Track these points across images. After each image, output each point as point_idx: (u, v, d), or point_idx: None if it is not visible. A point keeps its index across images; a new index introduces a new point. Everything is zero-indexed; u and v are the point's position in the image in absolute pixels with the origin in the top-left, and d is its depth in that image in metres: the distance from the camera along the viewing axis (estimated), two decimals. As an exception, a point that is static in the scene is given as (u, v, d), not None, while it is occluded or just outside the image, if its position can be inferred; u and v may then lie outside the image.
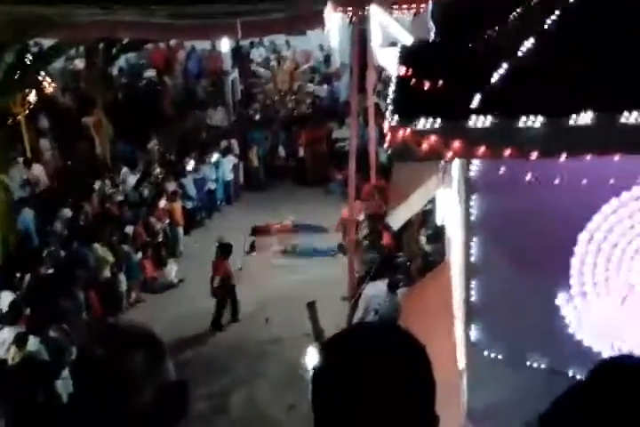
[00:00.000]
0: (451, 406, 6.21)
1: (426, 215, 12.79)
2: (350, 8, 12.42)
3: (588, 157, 5.50)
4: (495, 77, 5.63)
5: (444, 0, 11.33)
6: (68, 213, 15.10)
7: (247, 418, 11.15)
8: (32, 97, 17.53)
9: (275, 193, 18.72)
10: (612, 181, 5.82)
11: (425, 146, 5.47)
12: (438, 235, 11.59)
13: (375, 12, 12.04)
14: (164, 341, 2.08)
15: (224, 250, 13.64)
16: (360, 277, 13.06)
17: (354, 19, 12.80)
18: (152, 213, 15.62)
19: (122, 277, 13.93)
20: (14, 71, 16.34)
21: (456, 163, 6.94)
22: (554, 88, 5.52)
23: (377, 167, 14.85)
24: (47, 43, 18.06)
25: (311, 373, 1.71)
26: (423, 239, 13.00)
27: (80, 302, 12.76)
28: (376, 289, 11.42)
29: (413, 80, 6.27)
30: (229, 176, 18.45)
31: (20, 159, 17.11)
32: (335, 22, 13.07)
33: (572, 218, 5.97)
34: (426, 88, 6.06)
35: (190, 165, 17.65)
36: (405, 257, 13.16)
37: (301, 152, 19.77)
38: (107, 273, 13.70)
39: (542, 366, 6.24)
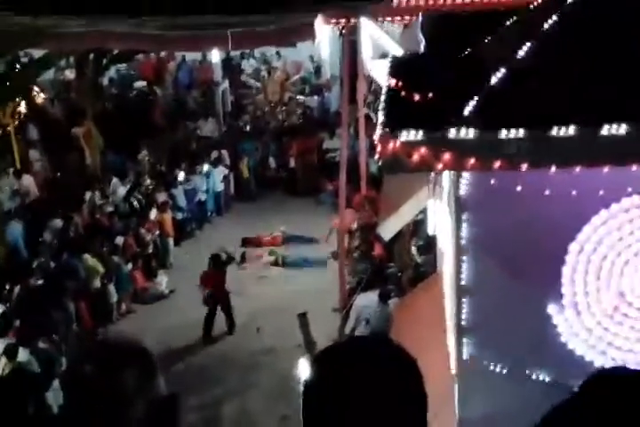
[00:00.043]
0: (442, 417, 6.21)
1: (417, 226, 12.82)
2: (341, 20, 12.49)
3: (577, 169, 5.55)
4: (484, 90, 5.68)
5: (433, 13, 11.42)
6: (57, 223, 15.05)
7: (239, 429, 11.13)
8: (22, 108, 17.53)
9: (265, 204, 18.73)
10: (601, 193, 5.86)
11: (415, 157, 5.51)
12: (429, 245, 11.62)
13: (365, 24, 12.10)
14: (155, 351, 2.09)
15: (216, 261, 13.62)
16: (351, 288, 13.07)
17: (344, 30, 12.89)
18: (142, 224, 15.59)
19: (112, 288, 13.89)
20: (4, 81, 16.35)
21: (446, 174, 6.97)
22: (541, 101, 5.57)
23: (367, 178, 14.89)
24: (37, 53, 18.08)
25: (302, 386, 1.71)
26: (414, 250, 13.02)
27: (70, 313, 12.71)
28: (367, 300, 11.43)
29: (403, 92, 6.31)
30: (220, 187, 18.44)
31: (10, 170, 17.07)
32: (325, 34, 13.14)
33: (563, 229, 6.00)
34: (416, 100, 6.10)
35: (181, 175, 17.64)
36: (396, 268, 13.18)
37: (292, 163, 19.80)
38: (97, 284, 13.66)
39: (534, 376, 6.25)
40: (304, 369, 9.26)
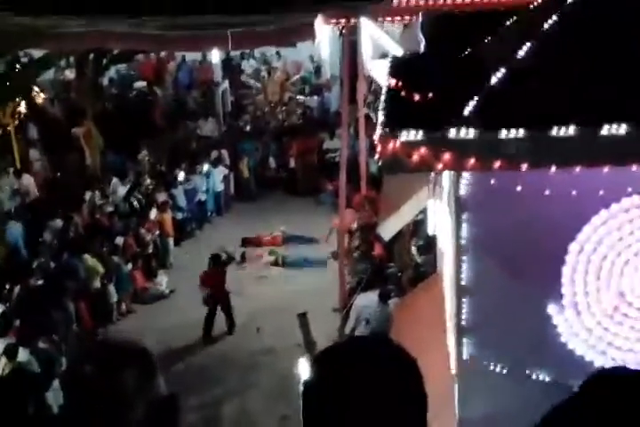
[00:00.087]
0: (443, 417, 6.22)
1: (417, 226, 12.82)
2: (340, 20, 12.50)
3: (577, 169, 5.56)
4: (484, 90, 5.68)
5: (433, 13, 11.43)
6: (57, 223, 15.06)
7: (239, 429, 11.14)
8: (22, 107, 17.54)
9: (265, 204, 18.73)
10: (601, 193, 5.87)
11: (415, 158, 5.51)
12: (429, 245, 11.62)
13: (365, 24, 12.11)
14: (155, 351, 2.09)
15: (216, 261, 13.62)
16: (351, 287, 13.07)
17: (344, 31, 12.89)
18: (142, 224, 15.59)
19: (112, 288, 13.90)
20: (4, 81, 16.35)
21: (446, 174, 6.97)
22: (540, 101, 5.58)
23: (367, 178, 14.89)
24: (37, 53, 18.09)
25: (302, 386, 1.71)
26: (414, 250, 13.02)
27: (70, 313, 12.71)
28: (367, 300, 11.43)
29: (404, 92, 6.32)
30: (220, 187, 18.44)
31: (10, 169, 17.08)
32: (325, 34, 13.14)
33: (563, 229, 6.01)
34: (416, 100, 6.10)
35: (181, 175, 17.64)
36: (397, 268, 13.18)
37: (292, 163, 19.80)
38: (97, 284, 13.66)
39: (535, 375, 6.26)
40: (304, 369, 9.25)
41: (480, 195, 6.03)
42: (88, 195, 16.31)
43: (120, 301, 14.17)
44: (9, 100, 16.69)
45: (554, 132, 5.42)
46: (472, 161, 5.49)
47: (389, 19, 12.27)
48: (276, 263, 15.84)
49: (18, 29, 14.26)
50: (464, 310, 6.26)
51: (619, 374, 1.71)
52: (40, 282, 12.90)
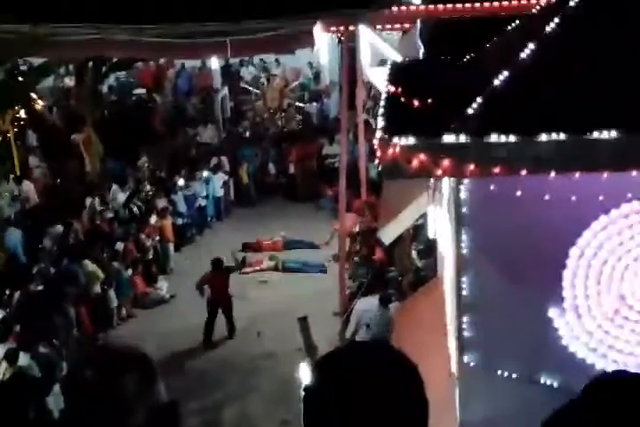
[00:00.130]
0: (444, 422, 6.24)
1: (417, 230, 12.86)
2: (339, 27, 12.56)
3: (576, 174, 5.60)
4: (483, 96, 5.72)
5: (431, 20, 11.49)
6: (58, 230, 15.09)
7: (239, 434, 11.14)
8: (21, 114, 17.59)
9: (265, 209, 18.76)
10: (601, 199, 5.90)
11: (414, 163, 5.55)
12: (430, 249, 11.65)
13: (364, 31, 12.16)
14: (156, 356, 2.11)
15: (216, 266, 13.63)
16: (352, 292, 13.10)
17: (343, 37, 12.95)
18: (142, 229, 15.62)
19: (112, 293, 13.91)
20: (4, 89, 16.39)
21: (446, 180, 7.01)
22: (541, 106, 5.62)
23: (367, 183, 14.93)
24: (37, 61, 18.13)
25: (303, 391, 1.72)
26: (415, 254, 13.05)
27: (70, 318, 12.73)
28: (367, 304, 11.45)
29: (403, 98, 6.37)
30: (220, 193, 18.48)
31: (10, 176, 17.12)
32: (324, 41, 13.21)
33: (563, 234, 6.04)
34: (415, 106, 6.15)
35: (180, 181, 17.68)
36: (397, 272, 13.21)
37: (292, 169, 19.84)
38: (97, 289, 13.68)
39: (536, 379, 6.28)
40: (304, 374, 9.27)
41: (480, 200, 6.06)
42: (88, 201, 16.34)
43: (120, 306, 14.19)
44: (8, 107, 16.74)
45: (553, 137, 5.46)
46: (471, 167, 5.53)
47: (388, 26, 12.34)
48: (276, 268, 15.85)
49: (18, 37, 14.29)
50: (465, 314, 6.29)
51: (620, 378, 1.72)
52: (40, 287, 12.93)
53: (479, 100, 5.70)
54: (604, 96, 5.55)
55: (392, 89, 6.70)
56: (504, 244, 6.08)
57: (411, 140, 5.55)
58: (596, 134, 5.41)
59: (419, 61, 10.21)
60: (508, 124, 5.56)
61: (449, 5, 11.55)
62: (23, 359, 10.65)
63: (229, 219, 18.71)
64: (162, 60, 22.65)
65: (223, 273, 13.59)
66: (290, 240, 16.74)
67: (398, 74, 7.71)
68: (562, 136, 5.44)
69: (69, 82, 21.23)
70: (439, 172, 5.60)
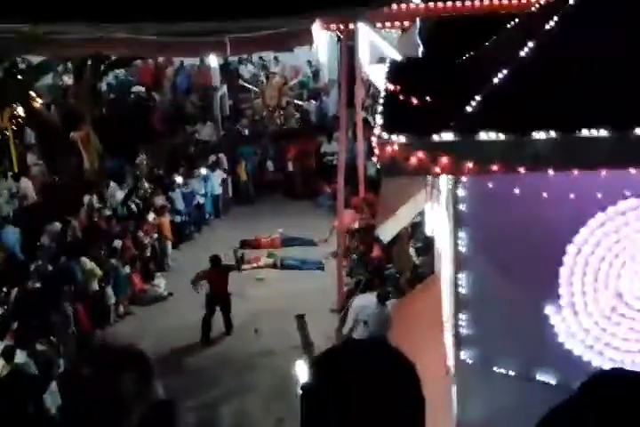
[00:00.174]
0: (441, 418, 6.25)
1: (415, 228, 12.88)
2: (339, 25, 12.56)
3: (574, 172, 5.61)
4: (481, 94, 5.73)
5: (431, 18, 11.50)
6: (56, 227, 15.09)
7: (236, 431, 11.15)
8: (20, 112, 17.58)
9: (263, 207, 18.77)
10: (598, 196, 5.91)
11: (413, 161, 5.56)
12: (428, 247, 11.67)
13: (363, 29, 12.17)
14: (153, 353, 2.13)
15: (215, 263, 13.62)
16: (349, 289, 13.12)
17: (342, 35, 12.95)
18: (140, 227, 15.63)
19: (110, 290, 13.92)
20: (2, 87, 16.38)
21: (444, 177, 7.02)
22: (538, 104, 5.63)
23: (365, 181, 14.95)
24: (35, 59, 18.12)
25: (301, 390, 1.73)
26: (413, 251, 13.07)
27: (68, 316, 12.73)
28: (365, 301, 11.46)
29: (401, 96, 6.38)
30: (218, 190, 18.49)
31: (9, 174, 17.11)
32: (323, 39, 13.20)
33: (560, 231, 6.05)
34: (413, 104, 6.16)
35: (179, 179, 17.69)
36: (395, 269, 13.23)
37: (290, 166, 19.86)
38: (95, 287, 13.69)
39: (533, 376, 6.29)
40: (302, 371, 9.28)
41: (477, 198, 6.08)
42: (86, 199, 16.34)
43: (118, 303, 14.20)
44: (7, 105, 16.73)
45: (552, 135, 5.48)
46: (469, 165, 5.54)
47: (387, 24, 12.34)
48: (274, 265, 15.87)
49: (17, 36, 14.30)
50: (462, 312, 6.30)
51: (618, 376, 1.72)
52: (38, 285, 12.93)
53: (477, 98, 5.70)
54: (602, 95, 5.56)
55: (391, 87, 6.71)
56: (501, 241, 6.09)
57: (409, 139, 5.55)
58: (594, 132, 5.43)
59: (418, 60, 10.22)
60: (506, 122, 5.57)
61: (448, 4, 11.56)
62: (20, 357, 10.66)
63: (227, 216, 18.72)
64: (161, 58, 22.65)
65: (222, 270, 13.59)
66: (288, 237, 16.75)
67: (397, 72, 7.71)
68: (560, 134, 5.45)
69: (68, 80, 21.22)
70: (437, 169, 5.61)
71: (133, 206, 16.65)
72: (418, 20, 11.89)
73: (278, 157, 20.29)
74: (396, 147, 5.54)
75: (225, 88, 22.18)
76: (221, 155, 19.14)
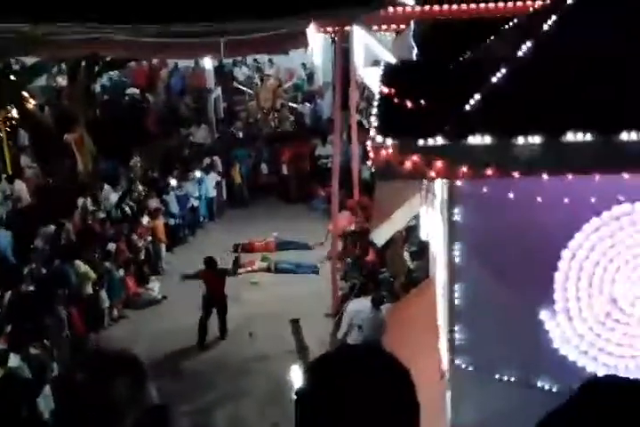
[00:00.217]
0: (435, 424, 6.23)
1: (410, 232, 12.87)
2: (333, 28, 12.55)
3: (569, 176, 5.59)
4: (476, 98, 5.72)
5: (425, 21, 11.50)
6: (49, 230, 15.04)
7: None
8: (13, 114, 17.53)
9: (258, 210, 18.75)
10: (592, 201, 5.90)
11: (407, 165, 5.54)
12: (422, 251, 11.66)
13: (358, 32, 12.16)
14: (147, 357, 2.12)
15: (209, 264, 13.59)
16: (344, 293, 13.10)
17: (336, 38, 12.94)
18: (134, 230, 15.59)
19: (104, 293, 13.88)
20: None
21: (438, 181, 7.00)
22: (535, 107, 5.62)
23: (360, 184, 14.93)
24: (29, 60, 18.08)
25: (295, 395, 1.72)
26: (407, 255, 13.06)
27: (62, 319, 12.67)
28: (360, 305, 11.44)
29: (396, 99, 6.35)
30: (212, 193, 18.46)
31: (2, 176, 17.06)
32: (318, 42, 13.21)
33: (555, 236, 6.04)
34: (408, 107, 6.14)
35: (173, 182, 17.66)
36: (389, 273, 13.21)
37: (284, 169, 19.84)
38: (89, 290, 13.64)
39: (528, 381, 6.27)
40: (296, 375, 9.26)
41: (472, 202, 6.06)
42: (80, 201, 16.29)
43: (112, 306, 14.15)
44: (0, 106, 16.68)
45: (547, 138, 5.46)
46: (464, 169, 5.52)
47: (383, 26, 12.34)
48: (268, 269, 15.84)
49: (17, 36, 14.25)
50: (457, 317, 6.28)
51: (613, 382, 1.72)
52: (31, 288, 12.88)
53: (473, 100, 5.69)
54: (601, 95, 5.54)
55: (385, 90, 6.69)
56: (496, 246, 6.08)
57: (404, 142, 5.54)
58: (588, 136, 5.41)
59: (412, 63, 10.21)
60: (501, 126, 5.56)
61: (443, 6, 11.56)
62: (13, 360, 10.61)
63: (222, 219, 18.69)
64: (155, 60, 22.62)
65: (217, 273, 13.55)
66: (282, 241, 16.72)
67: (391, 75, 7.69)
68: (548, 138, 5.44)
69: (62, 81, 21.18)
70: (432, 173, 5.60)
71: (127, 209, 16.61)
72: (412, 22, 11.89)
73: (272, 159, 20.27)
74: (390, 150, 5.52)
75: (219, 90, 22.15)
76: (216, 157, 19.11)
